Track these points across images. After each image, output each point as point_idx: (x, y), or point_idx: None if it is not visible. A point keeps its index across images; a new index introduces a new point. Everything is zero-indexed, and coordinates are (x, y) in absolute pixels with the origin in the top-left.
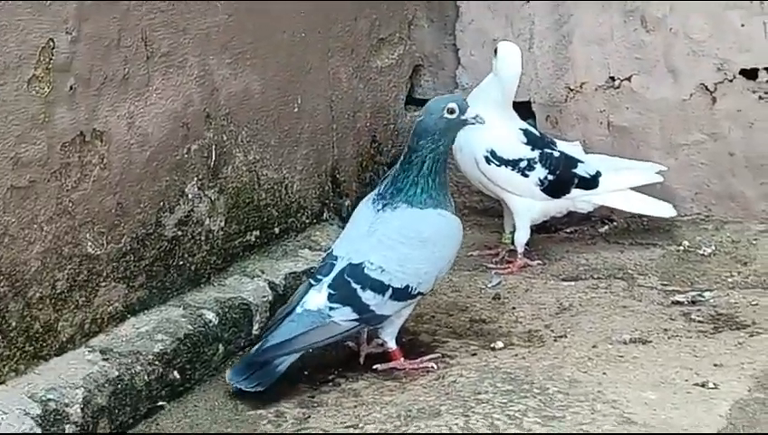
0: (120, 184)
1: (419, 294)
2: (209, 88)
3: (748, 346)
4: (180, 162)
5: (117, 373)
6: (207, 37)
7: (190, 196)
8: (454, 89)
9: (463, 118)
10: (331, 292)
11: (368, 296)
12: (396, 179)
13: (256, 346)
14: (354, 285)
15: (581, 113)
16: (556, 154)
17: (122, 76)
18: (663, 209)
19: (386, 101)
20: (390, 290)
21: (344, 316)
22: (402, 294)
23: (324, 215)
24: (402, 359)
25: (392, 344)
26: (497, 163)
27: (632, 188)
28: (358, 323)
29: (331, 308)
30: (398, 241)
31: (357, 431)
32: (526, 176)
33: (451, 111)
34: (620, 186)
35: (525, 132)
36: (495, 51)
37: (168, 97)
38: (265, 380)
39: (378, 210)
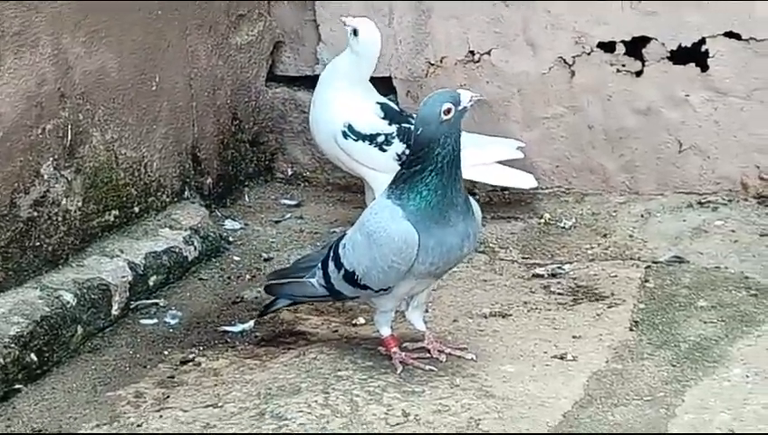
0: None
1: (366, 287)
2: (63, 67)
3: (606, 317)
4: (35, 142)
5: None
6: (60, 15)
7: (46, 176)
8: (315, 64)
9: (460, 108)
10: (325, 256)
11: (331, 269)
12: (402, 176)
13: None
14: (331, 255)
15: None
16: None
17: None
18: (524, 181)
19: (246, 78)
20: (343, 270)
21: (317, 279)
22: (350, 277)
23: (185, 193)
24: (395, 348)
25: (383, 332)
26: (354, 138)
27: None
28: (327, 292)
29: (317, 269)
30: (359, 225)
31: (216, 410)
32: (384, 151)
33: (448, 112)
34: (482, 160)
35: (383, 106)
36: (355, 31)
37: (20, 76)
38: (269, 306)
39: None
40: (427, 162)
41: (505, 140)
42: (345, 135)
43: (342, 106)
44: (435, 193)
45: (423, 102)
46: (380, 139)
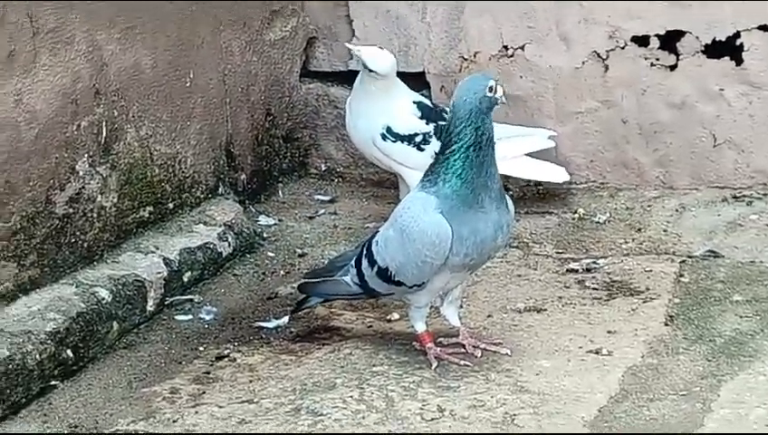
0: (8, 162)
1: (400, 283)
2: (98, 63)
3: (641, 312)
4: (70, 139)
5: (8, 353)
6: (95, 12)
7: (81, 173)
8: (348, 60)
9: (497, 96)
10: (359, 254)
11: (365, 266)
12: (437, 160)
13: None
14: (364, 252)
15: None
16: None
17: (8, 53)
18: (556, 174)
19: (280, 74)
20: (376, 267)
21: (351, 277)
22: (383, 274)
23: (220, 189)
24: (430, 343)
25: (417, 327)
26: (393, 139)
27: (526, 155)
28: (360, 290)
29: (351, 267)
30: (392, 220)
31: (252, 406)
32: (422, 150)
33: (492, 90)
34: (514, 153)
35: (419, 105)
36: (370, 70)
37: (55, 73)
38: (301, 303)
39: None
40: (464, 139)
41: (535, 130)
42: (384, 137)
43: (379, 108)
44: (470, 169)
45: (466, 78)
46: (418, 138)
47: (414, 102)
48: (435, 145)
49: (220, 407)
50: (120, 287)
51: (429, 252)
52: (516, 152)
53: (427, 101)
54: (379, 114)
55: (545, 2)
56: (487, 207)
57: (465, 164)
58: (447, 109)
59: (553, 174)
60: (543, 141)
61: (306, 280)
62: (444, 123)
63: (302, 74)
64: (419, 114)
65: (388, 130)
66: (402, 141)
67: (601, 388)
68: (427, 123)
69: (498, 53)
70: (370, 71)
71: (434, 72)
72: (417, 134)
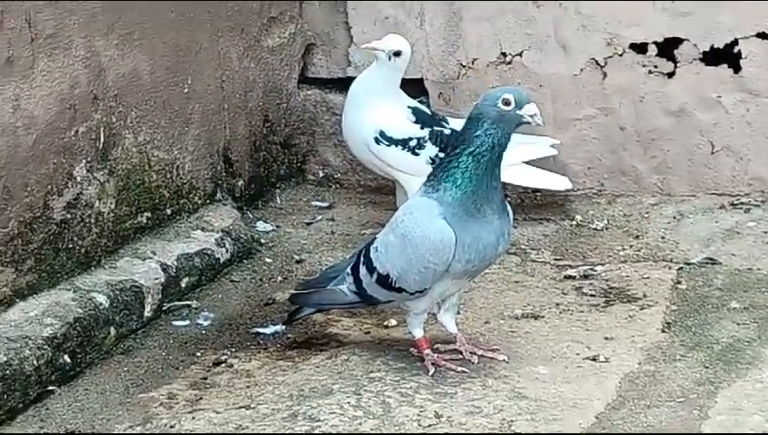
0: (5, 167)
1: (401, 289)
2: (96, 69)
3: (639, 319)
4: (68, 144)
5: (5, 358)
6: (93, 18)
7: (79, 178)
8: (347, 66)
9: (519, 113)
10: (356, 261)
11: (363, 273)
12: (440, 164)
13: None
14: (362, 259)
15: (474, 90)
16: (447, 132)
17: (6, 59)
18: (558, 182)
19: (278, 81)
20: (376, 273)
21: (347, 285)
22: (383, 281)
23: (217, 195)
24: (428, 349)
25: (415, 333)
26: (387, 143)
27: (527, 163)
28: (358, 298)
29: (347, 275)
30: (392, 226)
31: (249, 412)
32: (417, 154)
33: (506, 103)
34: (515, 160)
35: (414, 111)
36: (397, 53)
37: (54, 79)
38: (293, 314)
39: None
40: (468, 145)
41: (537, 138)
42: (377, 141)
43: (373, 113)
44: (469, 181)
45: (495, 87)
46: (413, 143)
47: (409, 107)
48: (430, 150)
49: (217, 413)
50: (118, 293)
51: (432, 258)
52: (516, 159)
53: (423, 107)
54: (373, 119)
55: (543, 8)
56: (489, 216)
57: (465, 175)
58: (447, 117)
59: (556, 182)
60: (545, 149)
61: (298, 291)
62: (439, 129)
63: (300, 81)
64: (414, 119)
65: (382, 133)
66: (396, 145)
67: (599, 395)
68: (422, 128)
69: (496, 60)
70: (396, 54)
71: (432, 78)
72: (411, 138)
